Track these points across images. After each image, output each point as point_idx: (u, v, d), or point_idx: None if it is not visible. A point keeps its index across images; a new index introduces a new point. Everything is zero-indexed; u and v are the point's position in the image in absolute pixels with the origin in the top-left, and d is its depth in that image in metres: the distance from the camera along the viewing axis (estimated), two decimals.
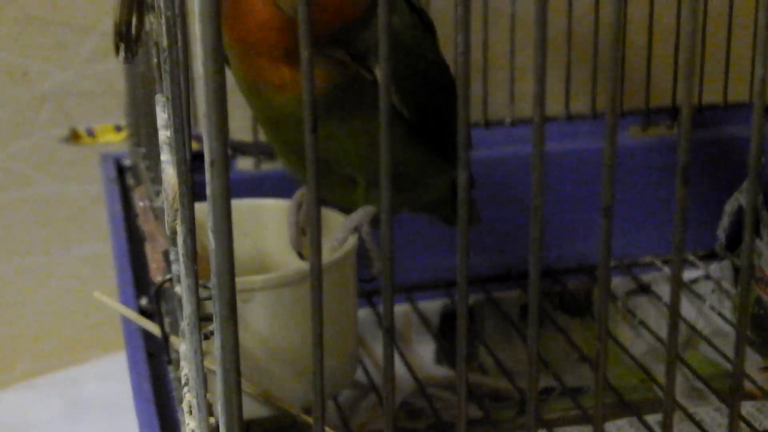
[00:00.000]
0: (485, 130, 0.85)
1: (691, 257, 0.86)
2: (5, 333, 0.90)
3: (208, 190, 0.30)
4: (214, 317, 0.35)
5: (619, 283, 0.84)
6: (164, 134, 0.36)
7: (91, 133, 0.80)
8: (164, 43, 0.33)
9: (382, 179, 0.35)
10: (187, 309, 0.35)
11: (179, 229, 0.35)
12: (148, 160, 0.61)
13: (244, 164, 0.79)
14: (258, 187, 0.71)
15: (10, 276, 0.90)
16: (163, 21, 0.32)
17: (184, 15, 0.33)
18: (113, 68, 0.86)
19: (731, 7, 0.87)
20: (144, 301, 0.61)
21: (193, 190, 0.35)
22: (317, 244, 0.33)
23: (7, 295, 0.90)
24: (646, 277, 0.85)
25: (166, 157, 0.35)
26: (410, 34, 0.55)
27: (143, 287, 0.62)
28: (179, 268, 0.38)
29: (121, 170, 0.79)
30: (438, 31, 0.59)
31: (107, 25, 0.85)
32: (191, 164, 0.38)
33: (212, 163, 0.29)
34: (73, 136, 0.80)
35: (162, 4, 0.32)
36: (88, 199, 0.89)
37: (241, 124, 0.79)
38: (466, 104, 0.30)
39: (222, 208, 0.30)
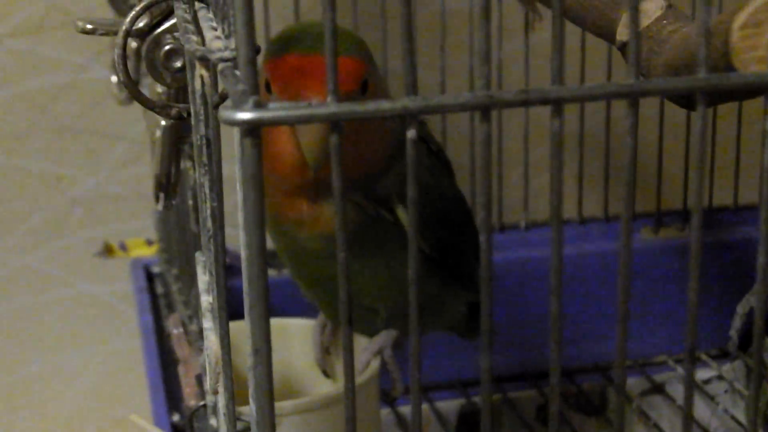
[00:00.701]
0: (500, 233, 0.88)
1: (704, 357, 0.88)
2: (36, 428, 0.93)
3: (251, 377, 0.32)
4: None
5: (634, 384, 0.86)
6: (206, 300, 0.39)
7: (123, 248, 0.83)
8: (209, 225, 0.36)
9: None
10: None
11: (221, 391, 0.38)
12: (179, 282, 0.64)
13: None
14: (280, 292, 0.73)
15: (42, 373, 0.93)
16: (208, 208, 0.35)
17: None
18: (141, 173, 0.89)
19: (740, 108, 0.90)
20: (176, 418, 0.63)
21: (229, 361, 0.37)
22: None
23: (40, 392, 0.92)
24: (660, 377, 0.87)
25: (208, 324, 0.38)
26: (428, 176, 0.58)
27: (175, 403, 0.64)
28: (218, 417, 0.41)
29: (150, 277, 0.82)
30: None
31: (135, 132, 0.88)
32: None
33: (256, 352, 0.32)
34: (107, 250, 0.83)
35: (207, 193, 0.35)
36: (117, 298, 0.92)
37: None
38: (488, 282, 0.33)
39: (265, 392, 0.32)
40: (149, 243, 0.83)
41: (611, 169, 0.89)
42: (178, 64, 0.46)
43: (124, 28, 0.39)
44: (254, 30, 0.30)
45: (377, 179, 0.55)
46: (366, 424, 0.60)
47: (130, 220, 0.90)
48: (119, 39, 0.39)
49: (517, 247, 0.88)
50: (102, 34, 0.45)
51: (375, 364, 0.60)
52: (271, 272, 0.82)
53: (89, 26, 0.46)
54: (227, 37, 0.34)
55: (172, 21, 0.45)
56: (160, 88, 0.48)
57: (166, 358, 0.69)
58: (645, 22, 0.46)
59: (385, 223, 0.56)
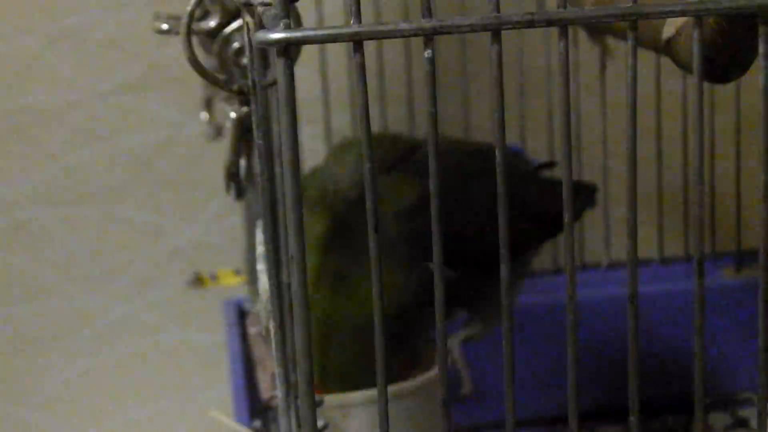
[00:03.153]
0: (582, 271, 0.90)
1: None
2: None
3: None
4: None
5: (718, 418, 0.86)
6: (260, 248, 0.42)
7: (213, 277, 0.88)
8: (260, 173, 0.39)
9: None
10: (281, 393, 0.41)
11: (271, 326, 0.41)
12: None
13: None
14: None
15: (143, 421, 0.96)
16: (256, 146, 0.39)
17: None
18: (236, 225, 0.94)
19: None
20: (257, 423, 0.66)
21: (281, 292, 0.41)
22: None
23: None
24: (744, 412, 0.87)
25: (261, 266, 0.42)
26: None
27: (256, 411, 0.67)
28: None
29: (242, 314, 0.85)
30: None
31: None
32: None
33: (292, 259, 0.35)
34: (198, 280, 0.88)
35: (255, 132, 0.39)
36: (214, 346, 0.96)
37: None
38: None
39: (301, 298, 0.35)
40: (237, 272, 0.87)
41: (690, 210, 0.90)
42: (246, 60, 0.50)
43: (189, 9, 0.44)
44: None
45: None
46: (431, 421, 0.62)
47: (226, 266, 0.94)
48: (185, 18, 0.43)
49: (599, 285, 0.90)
50: (177, 33, 0.50)
51: None
52: None
53: (165, 26, 0.51)
54: None
55: (240, 22, 0.50)
56: None
57: (250, 375, 0.72)
58: None
59: None
